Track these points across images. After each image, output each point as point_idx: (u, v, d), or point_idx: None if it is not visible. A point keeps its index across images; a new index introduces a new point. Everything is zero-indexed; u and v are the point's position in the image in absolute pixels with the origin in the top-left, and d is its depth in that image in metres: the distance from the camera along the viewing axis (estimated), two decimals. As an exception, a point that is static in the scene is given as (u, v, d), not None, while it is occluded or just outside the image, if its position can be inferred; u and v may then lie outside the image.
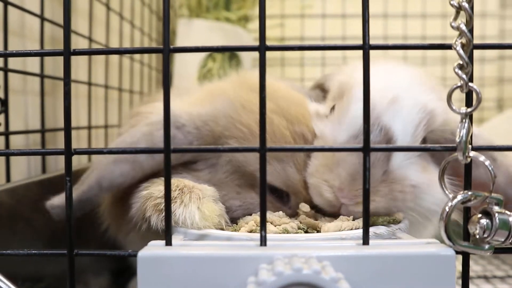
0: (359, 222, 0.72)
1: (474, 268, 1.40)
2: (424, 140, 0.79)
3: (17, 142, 1.00)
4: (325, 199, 0.76)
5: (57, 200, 0.78)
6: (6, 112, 0.94)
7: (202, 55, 1.85)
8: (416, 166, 0.77)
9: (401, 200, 0.74)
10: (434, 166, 0.80)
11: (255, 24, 1.99)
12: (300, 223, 0.75)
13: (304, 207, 0.79)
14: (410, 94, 0.77)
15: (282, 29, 2.28)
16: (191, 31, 1.90)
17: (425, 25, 2.24)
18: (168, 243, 0.58)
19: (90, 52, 0.62)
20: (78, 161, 1.24)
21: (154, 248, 0.56)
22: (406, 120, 0.75)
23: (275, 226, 0.74)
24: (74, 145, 1.23)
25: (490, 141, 0.81)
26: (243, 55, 1.93)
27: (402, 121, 0.75)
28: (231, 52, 1.77)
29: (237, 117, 0.81)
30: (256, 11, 2.01)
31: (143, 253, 0.55)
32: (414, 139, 0.76)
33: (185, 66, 1.83)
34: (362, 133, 0.72)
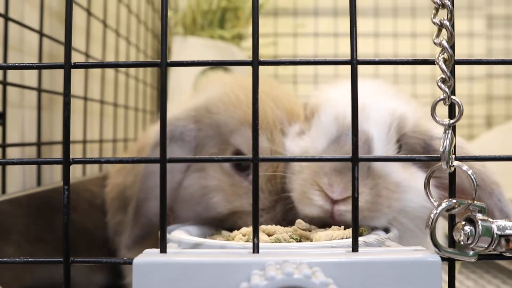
0: (350, 231, 0.73)
1: (466, 283, 1.41)
2: (398, 143, 0.84)
3: (13, 154, 1.01)
4: (315, 205, 0.77)
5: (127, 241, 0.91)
6: (3, 125, 0.95)
7: (196, 72, 1.88)
8: (396, 163, 0.81)
9: (386, 197, 0.77)
10: (411, 164, 0.84)
11: (248, 42, 2.03)
12: (293, 233, 0.77)
13: (301, 223, 0.80)
14: (377, 101, 0.84)
15: (275, 48, 2.32)
16: (186, 48, 1.94)
17: (415, 44, 2.30)
18: (163, 250, 0.59)
19: (89, 65, 0.64)
20: (72, 175, 1.24)
21: (149, 255, 0.58)
22: (378, 122, 0.81)
23: (268, 236, 0.75)
24: (69, 159, 1.25)
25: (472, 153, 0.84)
26: (237, 70, 1.97)
27: (374, 123, 0.81)
28: (225, 69, 1.81)
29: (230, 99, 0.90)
30: (249, 29, 2.05)
31: (138, 260, 0.56)
32: (388, 140, 0.81)
33: (180, 83, 1.86)
34: (339, 138, 0.79)
